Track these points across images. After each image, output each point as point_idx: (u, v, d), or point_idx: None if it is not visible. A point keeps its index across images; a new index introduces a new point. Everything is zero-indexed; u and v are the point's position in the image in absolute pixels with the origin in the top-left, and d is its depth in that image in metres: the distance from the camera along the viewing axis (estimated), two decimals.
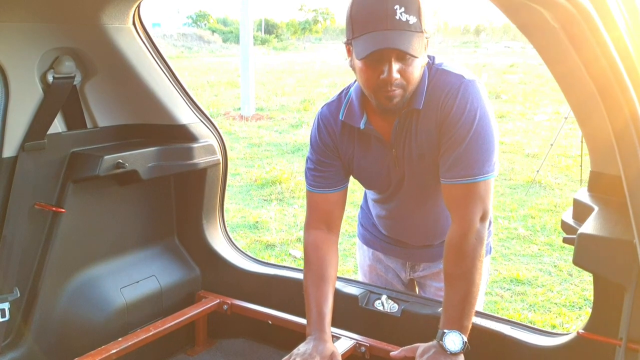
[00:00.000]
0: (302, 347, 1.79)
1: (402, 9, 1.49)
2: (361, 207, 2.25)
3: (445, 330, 1.63)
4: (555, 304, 4.18)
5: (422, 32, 1.53)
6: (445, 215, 1.95)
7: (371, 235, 2.19)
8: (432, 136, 1.70)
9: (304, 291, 1.87)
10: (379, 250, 2.19)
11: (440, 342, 1.62)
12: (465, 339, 1.63)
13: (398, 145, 1.76)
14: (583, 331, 1.61)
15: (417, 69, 1.58)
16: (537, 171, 7.14)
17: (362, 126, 1.74)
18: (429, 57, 1.73)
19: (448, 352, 1.61)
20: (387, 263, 2.19)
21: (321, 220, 1.90)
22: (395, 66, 1.54)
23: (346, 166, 1.87)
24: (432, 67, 1.71)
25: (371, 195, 2.07)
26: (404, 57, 1.53)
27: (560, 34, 1.04)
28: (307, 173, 1.90)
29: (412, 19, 1.50)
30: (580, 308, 4.09)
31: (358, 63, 1.58)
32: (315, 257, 1.87)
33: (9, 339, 1.91)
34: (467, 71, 1.71)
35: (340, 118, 1.79)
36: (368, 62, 1.55)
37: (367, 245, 2.22)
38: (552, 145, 6.87)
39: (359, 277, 2.36)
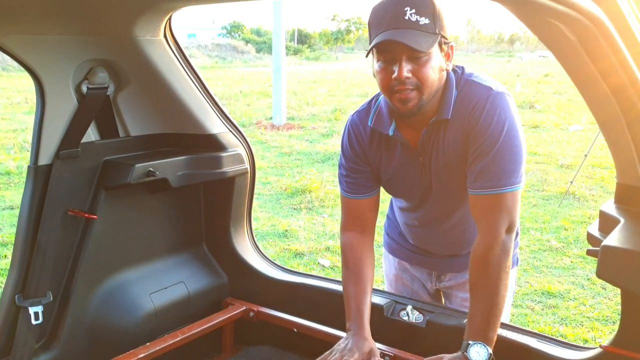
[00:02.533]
0: (342, 343, 1.83)
1: (413, 10, 1.53)
2: (387, 216, 2.26)
3: (469, 342, 1.62)
4: (588, 317, 4.09)
5: (435, 33, 1.55)
6: (473, 225, 1.95)
7: (397, 244, 2.20)
8: (460, 147, 1.70)
9: (343, 289, 1.91)
10: (405, 259, 2.19)
11: (465, 353, 1.61)
12: (490, 351, 1.62)
13: (425, 153, 1.77)
14: (607, 345, 1.59)
15: (431, 70, 1.58)
16: (571, 182, 7.01)
17: (390, 132, 1.76)
18: (457, 67, 1.74)
19: None
20: (413, 273, 2.19)
21: (355, 223, 1.94)
22: (407, 66, 1.56)
23: (376, 172, 1.89)
24: (461, 77, 1.72)
25: (398, 203, 2.08)
26: (415, 56, 1.55)
27: (577, 46, 1.04)
28: (340, 178, 1.94)
29: (424, 20, 1.53)
30: (614, 322, 4.00)
31: (375, 67, 1.62)
32: (352, 257, 1.91)
33: (42, 341, 1.96)
34: (497, 83, 1.71)
35: (369, 124, 1.81)
36: (381, 64, 1.59)
37: (393, 255, 2.23)
38: (586, 156, 6.74)
39: (385, 287, 2.37)
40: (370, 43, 1.60)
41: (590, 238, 1.52)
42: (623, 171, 1.47)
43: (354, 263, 1.91)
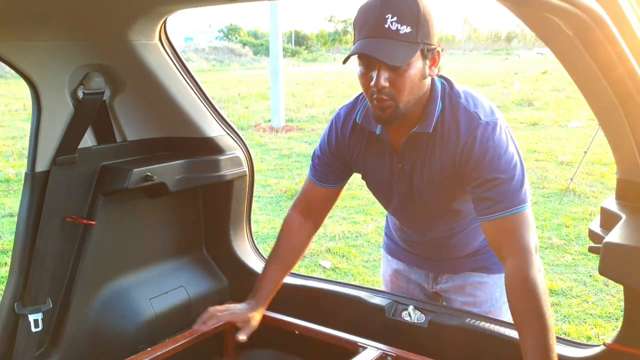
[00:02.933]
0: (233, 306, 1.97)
1: (394, 18, 1.48)
2: (386, 217, 2.27)
3: None
4: (591, 314, 4.08)
5: (416, 42, 1.51)
6: (463, 234, 1.98)
7: (395, 245, 2.21)
8: (447, 170, 1.70)
9: (264, 264, 2.06)
10: (401, 259, 2.20)
11: None
12: None
13: (405, 161, 1.77)
14: (610, 342, 1.58)
15: (408, 80, 1.55)
16: (571, 179, 7.01)
17: (378, 131, 1.76)
18: (447, 81, 1.72)
19: None
20: (409, 275, 2.20)
21: (306, 207, 2.02)
22: (384, 74, 1.54)
23: (349, 167, 1.92)
24: (447, 93, 1.69)
25: (387, 211, 2.11)
26: (393, 66, 1.52)
27: (575, 41, 1.03)
28: (311, 163, 2.00)
29: (405, 29, 1.48)
30: (617, 319, 3.99)
31: (357, 70, 1.61)
32: (284, 240, 2.03)
33: (42, 348, 1.95)
34: (484, 106, 1.68)
35: (357, 121, 1.81)
36: (362, 69, 1.58)
37: (391, 255, 2.24)
38: (585, 152, 6.74)
39: (382, 288, 2.37)
40: (353, 43, 1.59)
41: (592, 235, 1.51)
42: (624, 167, 1.46)
43: (283, 247, 2.02)
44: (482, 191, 1.63)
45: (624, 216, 1.42)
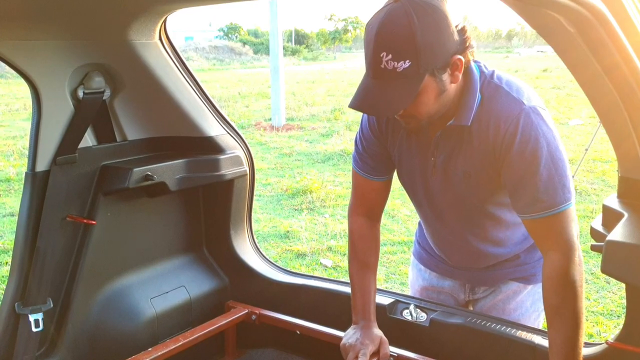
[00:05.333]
0: (351, 337, 1.84)
1: (389, 57, 1.38)
2: (419, 223, 2.19)
3: None
4: (593, 312, 4.08)
5: (418, 74, 1.41)
6: (500, 237, 1.89)
7: (427, 254, 2.13)
8: (485, 161, 1.62)
9: (350, 279, 1.93)
10: (434, 270, 2.12)
11: None
12: None
13: (438, 155, 1.70)
14: (612, 341, 1.57)
15: (422, 105, 1.49)
16: (572, 176, 6.99)
17: None
18: (485, 69, 1.63)
19: None
20: (443, 287, 2.12)
21: (365, 206, 1.93)
22: None
23: (390, 155, 1.84)
24: (487, 81, 1.60)
25: (417, 211, 2.02)
26: None
27: (577, 38, 1.02)
28: (356, 156, 1.89)
29: (403, 65, 1.39)
30: (618, 316, 3.99)
31: None
32: (361, 247, 1.92)
33: (43, 348, 1.95)
34: (528, 91, 1.60)
35: None
36: None
37: (423, 265, 2.16)
38: (587, 150, 6.72)
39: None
40: None
41: (594, 233, 1.51)
42: (625, 165, 1.45)
43: (362, 253, 1.91)
44: (523, 187, 1.55)
45: (626, 214, 1.41)
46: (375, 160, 1.85)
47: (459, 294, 2.11)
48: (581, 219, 6.05)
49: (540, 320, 2.05)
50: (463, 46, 1.47)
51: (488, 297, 2.05)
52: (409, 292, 2.30)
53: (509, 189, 1.61)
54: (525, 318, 2.01)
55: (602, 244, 1.31)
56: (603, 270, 1.32)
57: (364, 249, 1.92)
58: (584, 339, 1.56)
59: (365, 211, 1.93)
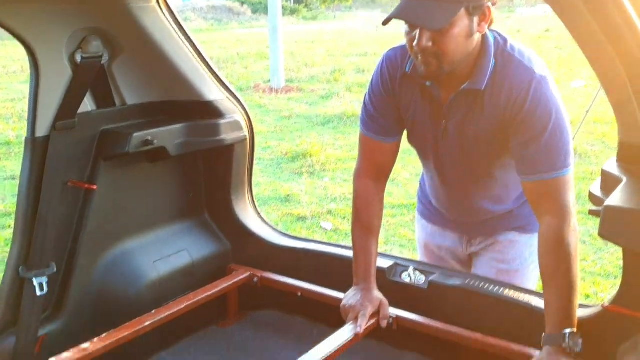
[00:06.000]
0: (351, 299, 1.89)
1: None
2: (420, 183, 2.25)
3: (566, 331, 1.54)
4: (590, 273, 4.12)
5: (459, 1, 1.49)
6: (499, 194, 1.95)
7: (428, 211, 2.19)
8: (495, 125, 1.68)
9: (353, 241, 1.96)
10: (436, 224, 2.17)
11: (564, 345, 1.54)
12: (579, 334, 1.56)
13: (450, 118, 1.74)
14: (608, 304, 1.60)
15: (452, 40, 1.54)
16: (572, 138, 6.97)
17: (428, 83, 1.72)
18: (500, 36, 1.69)
19: (572, 353, 1.54)
20: (443, 242, 2.18)
21: (373, 169, 1.93)
22: (426, 35, 1.53)
23: (401, 117, 1.85)
24: (500, 49, 1.67)
25: (424, 169, 2.07)
26: None
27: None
28: (364, 117, 1.89)
29: None
30: (615, 277, 4.04)
31: (402, 29, 1.59)
32: (365, 209, 1.94)
33: (48, 311, 1.98)
34: (539, 62, 1.66)
35: (407, 70, 1.77)
36: (406, 28, 1.57)
37: (426, 219, 2.22)
38: (587, 112, 6.68)
39: (417, 251, 2.37)
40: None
41: (592, 198, 1.51)
42: (626, 129, 1.45)
43: (366, 216, 1.94)
44: (527, 150, 1.62)
45: (624, 179, 1.42)
46: (387, 120, 1.85)
47: (458, 248, 2.16)
48: (580, 181, 6.06)
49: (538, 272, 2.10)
50: None
51: (487, 249, 2.09)
52: (408, 255, 2.33)
53: (514, 152, 1.67)
54: (524, 268, 2.06)
55: (600, 208, 1.32)
56: (600, 235, 1.33)
57: (368, 213, 1.94)
58: (580, 299, 1.59)
59: (373, 175, 1.94)
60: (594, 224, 4.92)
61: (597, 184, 1.54)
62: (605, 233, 1.30)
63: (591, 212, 1.43)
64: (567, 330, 1.55)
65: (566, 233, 1.59)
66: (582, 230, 4.85)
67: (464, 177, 1.90)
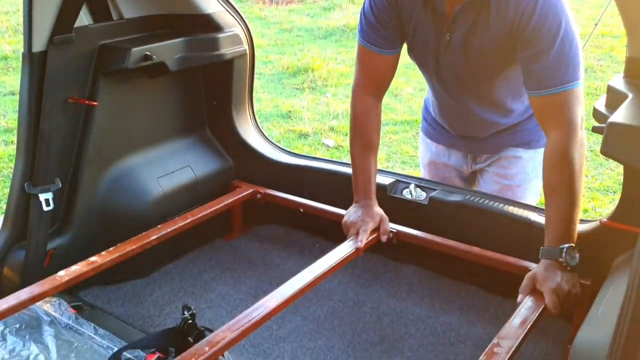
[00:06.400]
0: (352, 215, 1.92)
1: None
2: (425, 101, 2.23)
3: (564, 246, 1.58)
4: (589, 188, 4.16)
5: None
6: (504, 108, 1.93)
7: (433, 129, 2.17)
8: (502, 39, 1.65)
9: (351, 157, 1.96)
10: (441, 142, 2.17)
11: (561, 259, 1.57)
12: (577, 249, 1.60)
13: (455, 32, 1.70)
14: (606, 220, 1.62)
15: None
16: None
17: None
18: None
19: (569, 267, 1.58)
20: (447, 161, 2.18)
21: (372, 84, 1.91)
22: None
23: (403, 30, 1.81)
24: None
25: (428, 85, 2.04)
26: None
27: None
28: (364, 28, 1.83)
29: None
30: (614, 192, 4.08)
31: None
32: (364, 125, 1.93)
33: (55, 226, 2.02)
34: None
35: None
36: None
37: (430, 138, 2.21)
38: (596, 24, 6.51)
39: (421, 171, 2.38)
40: None
41: (597, 114, 1.50)
42: (635, 44, 1.42)
43: (365, 132, 1.93)
44: (535, 64, 1.60)
45: (630, 95, 1.40)
46: (388, 31, 1.81)
47: (462, 166, 2.17)
48: (586, 96, 5.99)
49: (541, 187, 2.12)
50: None
51: (492, 165, 2.10)
52: (409, 172, 2.34)
53: (522, 65, 1.65)
54: (527, 183, 2.08)
55: (604, 125, 1.31)
56: (602, 152, 1.33)
57: (367, 128, 1.93)
58: (578, 217, 1.62)
59: (373, 89, 1.91)
60: (596, 139, 4.91)
61: (602, 100, 1.53)
62: (608, 150, 1.30)
63: (594, 129, 1.42)
64: (566, 245, 1.58)
65: (572, 149, 1.58)
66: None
67: (468, 90, 1.88)
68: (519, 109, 1.96)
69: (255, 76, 2.56)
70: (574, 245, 1.59)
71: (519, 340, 1.45)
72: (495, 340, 1.45)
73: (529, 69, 1.62)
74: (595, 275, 1.63)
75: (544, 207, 1.70)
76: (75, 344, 1.66)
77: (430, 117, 2.17)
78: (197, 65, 2.26)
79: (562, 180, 1.59)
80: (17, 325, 1.70)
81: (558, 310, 1.56)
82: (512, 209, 1.96)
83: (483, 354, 1.40)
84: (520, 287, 1.64)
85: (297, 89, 6.52)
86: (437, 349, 1.83)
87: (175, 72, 2.15)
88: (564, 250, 1.57)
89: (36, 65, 1.83)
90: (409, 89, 6.14)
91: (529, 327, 1.50)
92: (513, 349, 1.42)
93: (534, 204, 2.06)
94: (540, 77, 1.60)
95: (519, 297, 1.62)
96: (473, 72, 1.79)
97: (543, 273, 1.60)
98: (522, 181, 2.08)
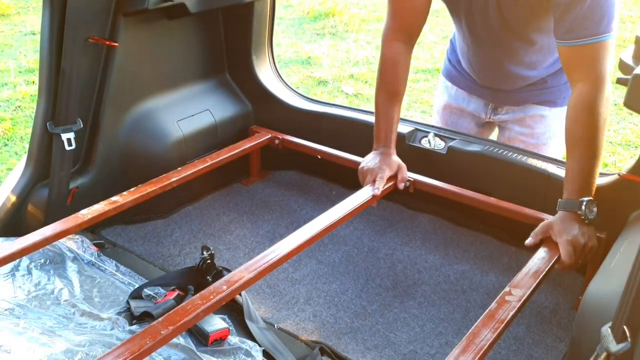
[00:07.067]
0: (370, 162, 1.92)
1: None
2: (450, 41, 2.18)
3: (583, 199, 1.57)
4: (611, 142, 4.11)
5: None
6: (534, 61, 1.90)
7: (457, 72, 2.14)
8: None
9: (375, 104, 1.94)
10: (463, 87, 2.14)
11: (579, 212, 1.57)
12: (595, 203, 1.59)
13: None
14: (624, 173, 1.61)
15: None
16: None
17: None
18: None
19: (587, 220, 1.58)
20: (468, 106, 2.15)
21: (403, 30, 1.87)
22: None
23: None
24: None
25: (456, 29, 2.00)
26: None
27: None
28: None
29: None
30: (636, 147, 4.03)
31: None
32: (392, 73, 1.89)
33: (77, 166, 2.06)
34: None
35: None
36: None
37: (452, 82, 2.17)
38: None
39: (433, 116, 2.36)
40: None
41: (622, 65, 1.46)
42: None
43: (392, 80, 1.90)
44: (568, 12, 1.55)
45: None
46: None
47: (480, 114, 2.14)
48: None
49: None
50: None
51: (515, 123, 2.08)
52: (429, 121, 2.33)
53: (555, 14, 1.60)
54: (554, 140, 2.06)
55: (629, 77, 1.29)
56: (626, 104, 1.31)
57: (395, 77, 1.89)
58: (598, 170, 1.61)
59: (403, 36, 1.87)
60: (621, 92, 4.81)
61: (629, 51, 1.49)
62: (632, 103, 1.27)
63: (619, 81, 1.39)
64: (585, 198, 1.57)
65: (599, 102, 1.55)
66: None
67: (498, 39, 1.84)
68: (545, 62, 1.92)
69: (276, 20, 2.53)
70: (592, 199, 1.58)
71: (530, 290, 1.47)
72: (507, 289, 1.47)
73: (562, 17, 1.57)
74: (611, 229, 1.63)
75: (563, 160, 1.68)
76: (98, 280, 1.72)
77: (456, 58, 2.12)
78: (217, 7, 2.24)
79: (585, 134, 1.57)
80: (42, 261, 1.75)
81: (572, 261, 1.57)
82: (530, 161, 1.95)
83: (494, 302, 1.42)
84: (532, 232, 1.65)
85: (317, 34, 6.43)
86: (449, 296, 1.87)
87: (195, 14, 2.13)
88: (584, 203, 1.57)
89: (57, 4, 1.82)
90: (432, 37, 6.02)
91: (541, 277, 1.51)
92: (524, 298, 1.44)
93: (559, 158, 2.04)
94: (573, 27, 1.55)
95: (529, 240, 1.64)
96: (504, 19, 1.75)
97: (560, 224, 1.60)
98: (548, 139, 2.06)
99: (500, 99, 2.07)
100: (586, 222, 1.58)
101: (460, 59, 2.09)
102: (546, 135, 2.06)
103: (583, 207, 1.57)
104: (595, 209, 1.58)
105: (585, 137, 1.57)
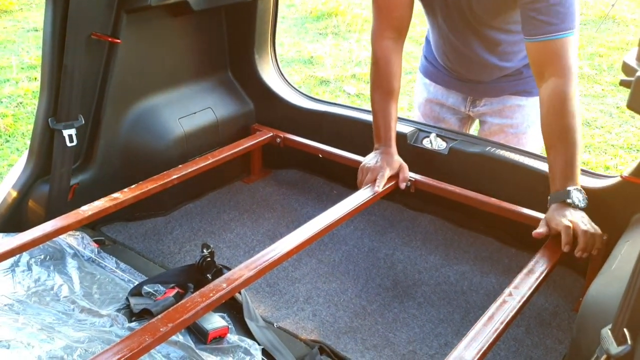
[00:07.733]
0: (371, 161, 1.93)
1: None
2: (426, 38, 2.21)
3: (569, 188, 1.61)
4: (612, 145, 4.11)
5: None
6: (508, 52, 1.93)
7: (434, 68, 2.17)
8: None
9: (371, 104, 1.96)
10: (440, 83, 2.17)
11: (568, 200, 1.61)
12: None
13: None
14: (627, 175, 1.61)
15: None
16: (612, 5, 6.61)
17: None
18: None
19: (578, 208, 1.62)
20: (447, 100, 2.18)
21: (392, 27, 1.89)
22: None
23: None
24: None
25: (430, 25, 2.03)
26: None
27: None
28: None
29: None
30: (637, 151, 4.02)
31: None
32: (385, 72, 1.92)
33: (78, 162, 2.06)
34: None
35: None
36: None
37: (429, 78, 2.20)
38: None
39: (413, 112, 2.37)
40: None
41: (626, 68, 1.46)
42: None
43: (386, 78, 1.92)
44: (534, 10, 1.61)
45: None
46: None
47: (460, 107, 2.18)
48: (615, 51, 5.84)
49: None
50: None
51: (494, 115, 2.11)
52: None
53: (521, 11, 1.66)
54: (532, 129, 2.09)
55: (632, 79, 1.29)
56: (629, 106, 1.30)
57: (388, 75, 1.92)
58: (599, 171, 1.61)
59: (392, 33, 1.90)
60: (623, 96, 4.81)
61: (632, 53, 1.48)
62: (635, 105, 1.27)
63: (622, 83, 1.38)
64: (572, 187, 1.61)
65: (573, 93, 1.62)
66: (610, 102, 4.76)
67: (472, 30, 1.88)
68: (520, 54, 1.96)
69: (278, 20, 2.53)
70: (579, 187, 1.61)
71: (530, 291, 1.47)
72: (506, 290, 1.46)
73: (528, 14, 1.63)
74: (612, 231, 1.62)
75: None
76: (98, 276, 1.72)
77: (432, 55, 2.15)
78: (220, 5, 2.23)
79: (565, 125, 1.62)
80: (42, 256, 1.75)
81: (582, 245, 1.56)
82: (532, 162, 1.95)
83: (494, 303, 1.42)
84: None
85: (320, 34, 6.43)
86: (449, 297, 1.86)
87: (198, 12, 2.13)
88: (571, 191, 1.60)
89: (59, 1, 1.82)
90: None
91: (541, 278, 1.51)
92: (524, 299, 1.44)
93: (539, 148, 2.05)
94: (539, 23, 1.62)
95: (536, 231, 1.66)
96: (475, 13, 1.80)
97: (554, 214, 1.63)
98: (527, 128, 2.10)
99: (478, 91, 2.10)
100: (578, 209, 1.61)
101: (436, 55, 2.11)
102: (525, 125, 2.09)
103: (571, 195, 1.60)
104: (583, 197, 1.61)
105: (565, 129, 1.62)
